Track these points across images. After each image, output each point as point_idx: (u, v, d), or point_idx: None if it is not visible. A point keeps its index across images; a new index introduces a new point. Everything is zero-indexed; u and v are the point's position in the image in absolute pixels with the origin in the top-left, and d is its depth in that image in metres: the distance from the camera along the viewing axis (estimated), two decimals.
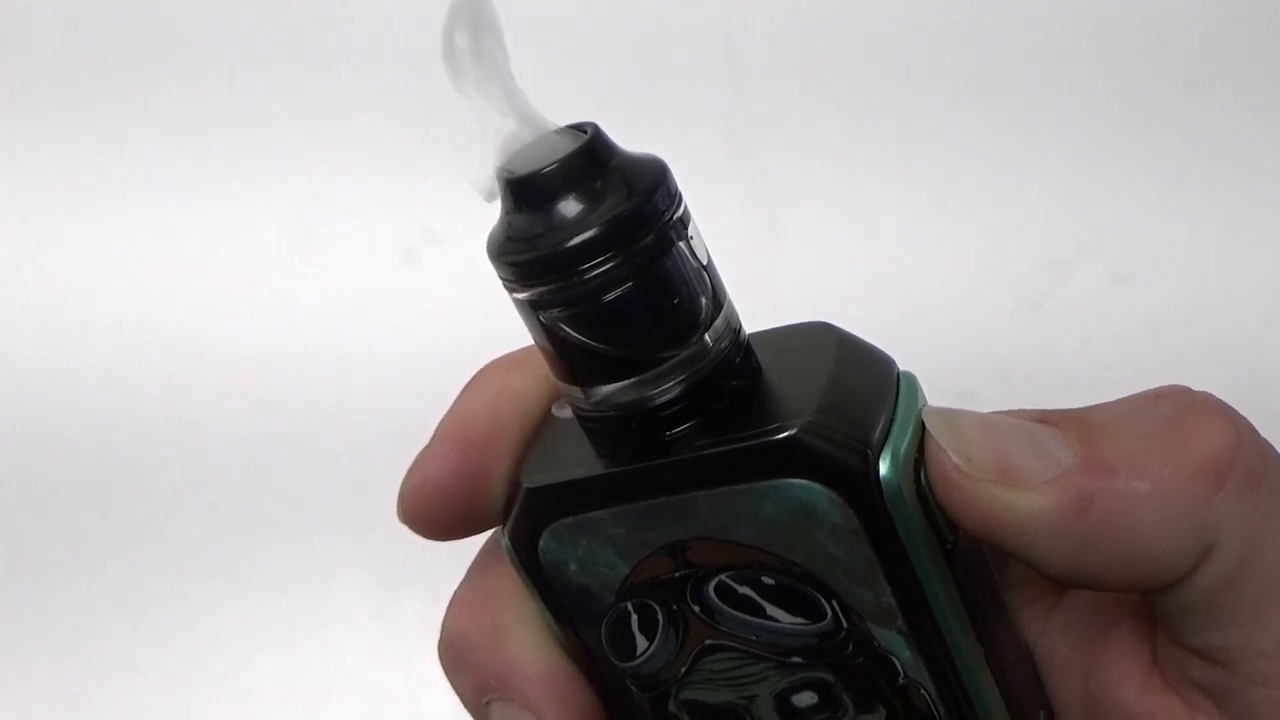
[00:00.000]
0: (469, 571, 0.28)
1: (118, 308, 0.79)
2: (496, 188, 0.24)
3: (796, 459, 0.23)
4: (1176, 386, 0.25)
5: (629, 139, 0.24)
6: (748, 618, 0.25)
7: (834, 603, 0.24)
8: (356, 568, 0.69)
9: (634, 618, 0.26)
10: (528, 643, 0.26)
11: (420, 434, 0.28)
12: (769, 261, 0.76)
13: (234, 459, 0.75)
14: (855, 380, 0.25)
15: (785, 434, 0.23)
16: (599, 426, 0.25)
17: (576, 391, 0.25)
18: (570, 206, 0.23)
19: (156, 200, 0.80)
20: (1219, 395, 0.25)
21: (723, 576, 0.25)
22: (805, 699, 0.26)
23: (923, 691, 0.25)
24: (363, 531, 0.69)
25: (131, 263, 0.80)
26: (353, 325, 0.78)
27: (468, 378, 0.28)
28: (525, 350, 0.26)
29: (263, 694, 0.65)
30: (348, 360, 0.77)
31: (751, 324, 0.26)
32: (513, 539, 0.26)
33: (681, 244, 0.24)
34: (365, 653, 0.66)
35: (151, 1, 0.81)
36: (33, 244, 0.81)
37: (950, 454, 0.24)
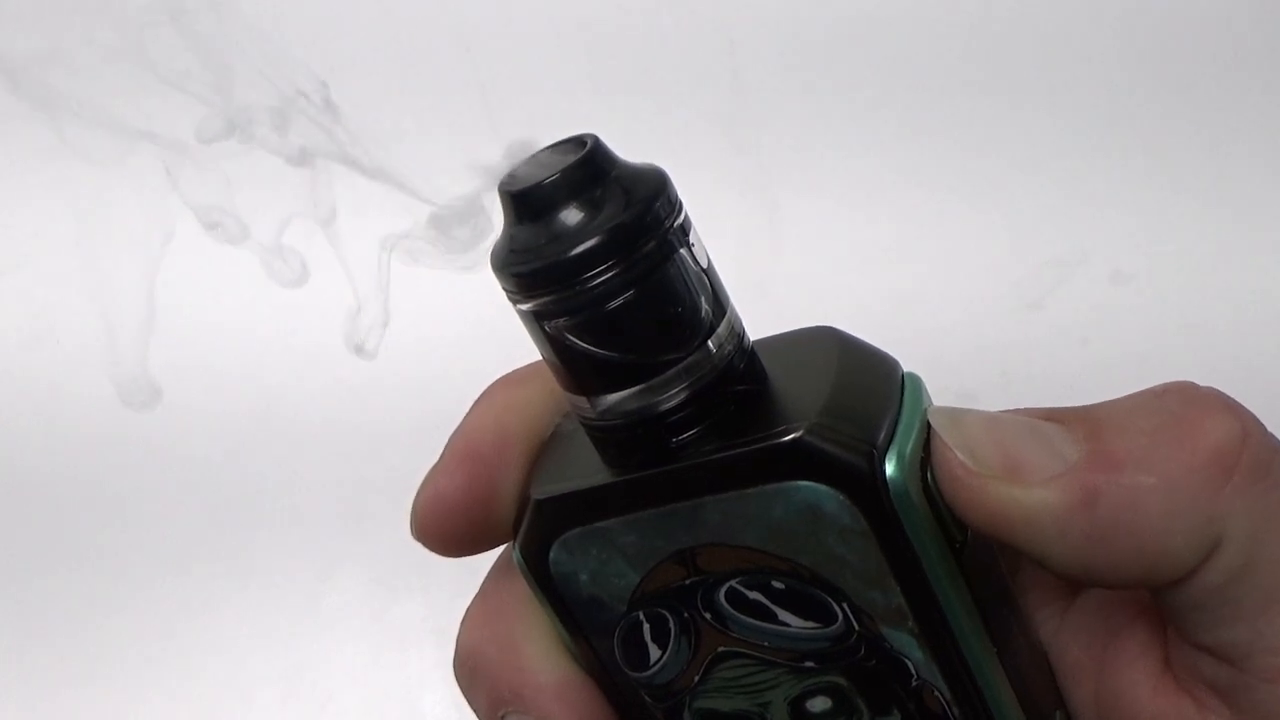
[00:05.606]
0: (482, 587, 0.28)
1: (116, 306, 0.79)
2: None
3: (803, 461, 0.23)
4: (1182, 382, 0.25)
5: (630, 140, 0.24)
6: (759, 623, 0.25)
7: (845, 605, 0.24)
8: (356, 568, 0.69)
9: (646, 627, 0.26)
10: (541, 655, 0.26)
11: (419, 435, 0.27)
12: (769, 262, 0.76)
13: (233, 459, 0.74)
14: (860, 383, 0.25)
15: (791, 436, 0.23)
16: (606, 436, 0.25)
17: (583, 401, 0.25)
18: (571, 216, 0.23)
19: (158, 197, 0.80)
20: None
21: (733, 582, 0.25)
22: (819, 704, 0.26)
23: (936, 692, 0.25)
24: (363, 531, 0.69)
25: (130, 259, 0.79)
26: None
27: (467, 379, 0.28)
28: (532, 365, 0.26)
29: (263, 694, 0.65)
30: (347, 360, 0.77)
31: (752, 324, 0.26)
32: (523, 551, 0.26)
33: (683, 251, 0.24)
34: (365, 653, 0.66)
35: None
36: (33, 241, 0.80)
37: (956, 452, 0.24)
